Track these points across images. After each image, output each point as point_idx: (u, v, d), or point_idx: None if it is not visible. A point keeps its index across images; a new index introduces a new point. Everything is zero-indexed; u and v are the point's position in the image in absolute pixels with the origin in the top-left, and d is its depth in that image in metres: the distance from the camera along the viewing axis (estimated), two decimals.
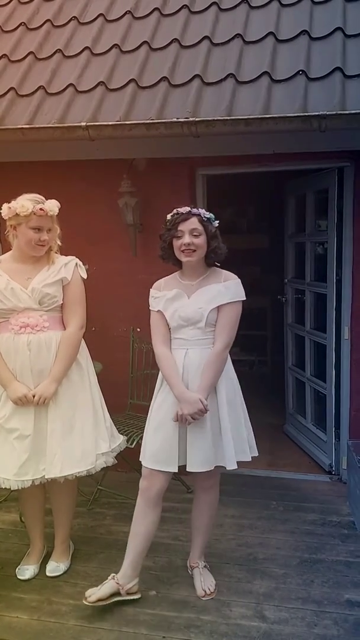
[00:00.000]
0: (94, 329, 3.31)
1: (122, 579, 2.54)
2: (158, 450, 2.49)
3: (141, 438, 2.64)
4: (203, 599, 2.61)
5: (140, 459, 2.57)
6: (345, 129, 3.00)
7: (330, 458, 3.86)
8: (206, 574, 2.70)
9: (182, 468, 2.50)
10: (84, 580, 2.71)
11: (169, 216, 2.51)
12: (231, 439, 2.45)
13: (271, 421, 4.68)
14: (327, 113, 2.90)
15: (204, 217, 2.47)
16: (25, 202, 2.49)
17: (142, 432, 2.67)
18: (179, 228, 2.45)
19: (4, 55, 3.80)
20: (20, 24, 4.02)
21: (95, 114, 3.24)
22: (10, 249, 2.67)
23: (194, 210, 2.47)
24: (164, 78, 3.32)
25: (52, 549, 2.88)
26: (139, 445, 2.63)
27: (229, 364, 2.57)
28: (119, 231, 3.69)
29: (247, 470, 3.67)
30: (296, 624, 2.45)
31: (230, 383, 2.54)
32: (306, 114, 2.94)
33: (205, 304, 2.45)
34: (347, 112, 2.91)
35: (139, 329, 3.69)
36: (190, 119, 3.05)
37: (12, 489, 2.58)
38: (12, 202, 2.53)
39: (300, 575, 2.78)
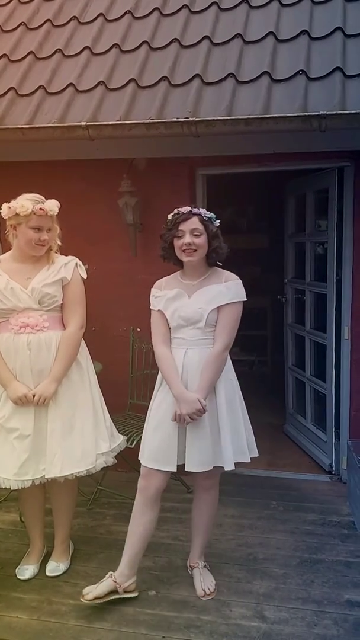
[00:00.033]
0: (94, 328, 3.31)
1: (119, 578, 2.54)
2: (157, 449, 2.49)
3: (141, 438, 2.63)
4: (203, 599, 2.61)
5: (139, 458, 2.57)
6: (346, 128, 3.00)
7: (330, 458, 3.85)
8: (206, 574, 2.70)
9: (181, 468, 2.50)
10: (83, 580, 2.71)
11: (169, 216, 2.51)
12: (230, 439, 2.45)
13: (271, 421, 4.68)
14: (327, 113, 2.90)
15: (205, 216, 2.47)
16: (25, 202, 2.49)
17: (142, 432, 2.67)
18: (180, 228, 2.44)
19: (4, 55, 3.80)
20: (20, 24, 4.02)
21: (95, 114, 3.24)
22: (10, 249, 2.66)
23: (195, 210, 2.47)
24: (164, 78, 3.32)
25: (52, 549, 2.88)
26: (138, 445, 2.63)
27: (229, 365, 2.57)
28: (118, 231, 3.69)
29: (247, 470, 3.67)
30: (296, 624, 2.45)
31: (229, 384, 2.54)
32: (306, 113, 2.94)
33: (206, 304, 2.45)
34: (347, 112, 2.91)
35: (139, 329, 3.69)
36: (190, 118, 3.05)
37: (12, 488, 2.58)
38: (12, 201, 2.53)
39: (300, 575, 2.78)
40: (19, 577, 2.77)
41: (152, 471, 2.51)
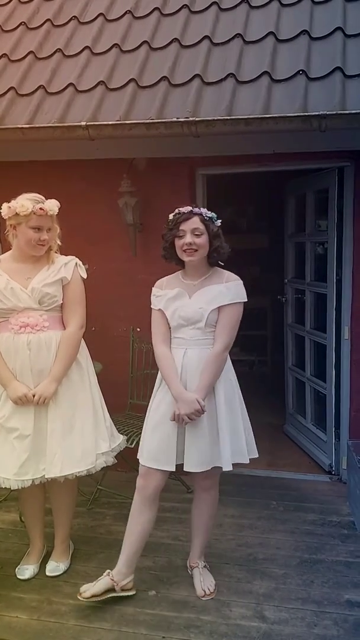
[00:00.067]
0: (93, 328, 3.31)
1: (116, 576, 2.54)
2: (155, 448, 2.49)
3: (140, 437, 2.63)
4: (203, 599, 2.61)
5: (137, 457, 2.57)
6: (346, 128, 2.99)
7: (330, 458, 3.85)
8: (206, 574, 2.70)
9: (181, 467, 2.50)
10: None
11: (171, 216, 2.51)
12: (228, 440, 2.45)
13: (271, 421, 4.68)
14: (327, 113, 2.90)
15: (206, 216, 2.47)
16: (25, 202, 2.49)
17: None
18: (181, 227, 2.44)
19: (4, 55, 3.80)
20: (21, 24, 4.02)
21: (95, 114, 3.24)
22: (10, 249, 2.66)
23: (196, 210, 2.47)
24: (164, 78, 3.32)
25: (52, 549, 2.88)
26: (138, 445, 2.63)
27: (229, 365, 2.57)
28: (118, 231, 3.69)
29: (247, 470, 3.67)
30: (296, 624, 2.45)
31: (229, 384, 2.53)
32: (306, 113, 2.94)
33: (206, 304, 2.45)
34: (347, 112, 2.90)
35: (138, 329, 3.69)
36: (190, 118, 3.05)
37: (12, 488, 2.58)
38: (12, 201, 2.53)
39: (300, 575, 2.77)
40: (18, 577, 2.77)
41: (150, 470, 2.51)
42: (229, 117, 3.02)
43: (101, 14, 3.92)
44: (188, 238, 2.43)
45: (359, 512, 3.19)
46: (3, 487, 2.57)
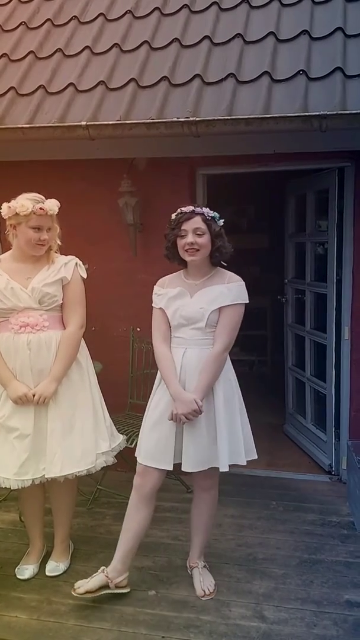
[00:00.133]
0: (93, 328, 3.31)
1: (111, 573, 2.55)
2: (153, 447, 2.50)
3: None
4: (202, 599, 2.61)
5: (135, 455, 2.57)
6: (346, 129, 2.99)
7: (330, 458, 3.85)
8: (205, 574, 2.70)
9: (180, 467, 2.49)
10: None
11: (173, 215, 2.51)
12: (226, 441, 2.45)
13: (271, 421, 4.68)
14: (328, 113, 2.90)
15: (208, 216, 2.46)
16: (25, 202, 2.49)
17: None
18: (183, 227, 2.44)
19: (4, 55, 3.80)
20: (21, 24, 4.02)
21: (95, 114, 3.23)
22: (10, 249, 2.66)
23: (198, 209, 2.47)
24: (165, 77, 3.32)
25: (52, 549, 2.88)
26: None
27: (229, 365, 2.56)
28: (119, 231, 3.69)
29: (247, 470, 3.65)
30: (295, 624, 2.45)
31: (228, 384, 2.53)
32: (307, 113, 2.94)
33: (207, 305, 2.45)
34: (347, 112, 2.90)
35: (138, 329, 3.69)
36: (191, 118, 3.05)
37: (12, 488, 2.58)
38: (12, 201, 2.53)
39: (300, 575, 2.77)
40: (18, 576, 2.77)
41: (148, 469, 2.51)
42: (229, 117, 3.02)
43: (101, 13, 3.92)
44: (190, 238, 2.43)
45: (359, 513, 3.19)
46: (3, 486, 2.57)
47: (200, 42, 3.52)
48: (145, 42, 3.60)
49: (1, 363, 2.57)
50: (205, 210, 2.48)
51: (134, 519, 2.55)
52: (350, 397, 3.69)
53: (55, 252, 2.66)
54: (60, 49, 3.73)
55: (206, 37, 3.52)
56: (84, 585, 2.50)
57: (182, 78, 3.33)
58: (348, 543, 3.04)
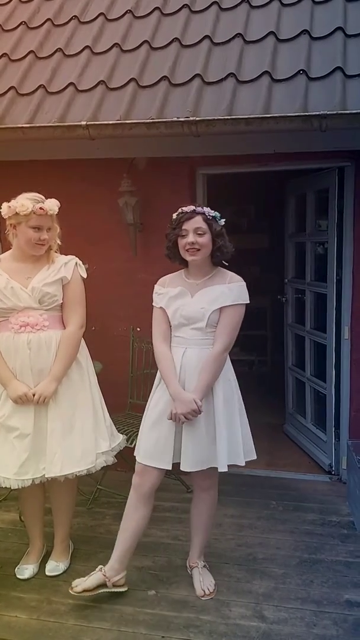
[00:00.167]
0: (93, 328, 3.31)
1: (109, 572, 2.55)
2: (152, 446, 2.50)
3: None
4: (202, 598, 2.61)
5: (134, 454, 2.57)
6: (346, 128, 2.99)
7: (330, 458, 3.85)
8: (205, 574, 2.70)
9: (179, 467, 2.49)
10: None
11: (174, 215, 2.50)
12: (225, 441, 2.44)
13: (271, 421, 4.68)
14: (328, 113, 2.89)
15: (209, 215, 2.46)
16: (25, 201, 2.49)
17: None
18: (184, 227, 2.44)
19: (5, 54, 3.80)
20: (21, 23, 4.02)
21: (95, 113, 3.23)
22: (10, 248, 2.66)
23: (199, 209, 2.46)
24: (165, 77, 3.32)
25: (52, 548, 2.88)
26: None
27: (229, 366, 2.56)
28: (119, 230, 3.69)
29: (247, 470, 3.65)
30: (295, 624, 2.45)
31: (228, 384, 2.53)
32: (307, 113, 2.94)
33: (208, 304, 2.45)
34: (347, 111, 2.90)
35: (138, 329, 3.68)
36: (191, 118, 3.05)
37: (12, 488, 2.58)
38: (12, 201, 2.53)
39: (300, 575, 2.77)
40: (18, 576, 2.77)
41: (147, 468, 2.51)
42: (229, 117, 3.02)
43: (102, 13, 3.92)
44: (190, 237, 2.43)
45: (359, 512, 3.19)
46: (3, 486, 2.57)
47: (200, 41, 3.52)
48: (146, 41, 3.60)
49: (1, 363, 2.56)
50: (206, 209, 2.47)
51: (132, 519, 2.56)
52: (350, 397, 3.69)
53: (55, 252, 2.66)
54: (60, 48, 3.73)
55: (206, 36, 3.52)
56: (81, 584, 2.50)
57: (182, 78, 3.33)
58: (348, 543, 3.05)
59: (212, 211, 2.49)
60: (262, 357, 6.39)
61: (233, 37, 3.48)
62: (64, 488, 2.73)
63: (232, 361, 2.60)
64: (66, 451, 2.56)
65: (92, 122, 3.16)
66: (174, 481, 3.53)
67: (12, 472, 2.52)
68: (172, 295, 2.51)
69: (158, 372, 2.57)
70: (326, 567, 2.83)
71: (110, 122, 3.15)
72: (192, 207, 2.47)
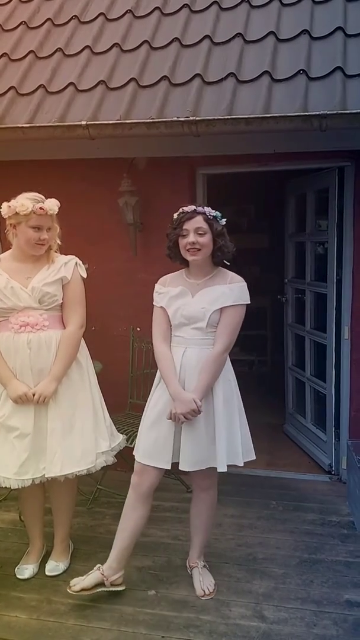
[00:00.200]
0: (93, 328, 3.31)
1: (107, 571, 2.55)
2: (151, 446, 2.50)
3: None
4: (202, 598, 2.61)
5: (133, 454, 2.57)
6: (346, 128, 2.99)
7: (330, 458, 3.85)
8: (205, 574, 2.70)
9: (178, 466, 2.50)
10: None
11: (175, 215, 2.50)
12: (225, 441, 2.44)
13: (271, 421, 4.68)
14: (328, 112, 2.89)
15: (210, 215, 2.46)
16: (25, 201, 2.49)
17: None
18: (184, 227, 2.44)
19: (5, 54, 3.80)
20: (21, 23, 4.02)
21: (95, 113, 3.23)
22: (10, 248, 2.66)
23: (199, 209, 2.46)
24: (165, 77, 3.32)
25: (52, 548, 2.88)
26: None
27: (228, 365, 2.56)
28: (119, 230, 3.68)
29: (247, 470, 3.65)
30: (295, 624, 2.45)
31: (228, 385, 2.53)
32: (307, 113, 2.94)
33: (209, 304, 2.44)
34: (347, 111, 2.90)
35: (138, 328, 3.68)
36: (191, 118, 3.05)
37: (12, 487, 2.58)
38: (12, 200, 2.53)
39: (300, 575, 2.77)
40: (18, 576, 2.76)
41: (146, 467, 2.51)
42: (229, 117, 3.02)
43: (102, 13, 3.92)
44: (191, 237, 2.43)
45: (359, 512, 3.19)
46: (3, 486, 2.57)
47: (200, 41, 3.52)
48: (146, 41, 3.60)
49: (1, 362, 2.56)
50: (207, 209, 2.47)
51: (131, 518, 2.56)
52: (350, 397, 3.69)
53: (55, 252, 2.66)
54: (60, 48, 3.73)
55: (206, 36, 3.52)
56: (79, 583, 2.51)
57: (182, 77, 3.33)
58: (348, 543, 3.04)
59: (213, 211, 2.48)
60: (262, 357, 6.38)
61: (233, 37, 3.48)
62: (64, 488, 2.73)
63: (232, 361, 2.59)
64: (66, 451, 2.56)
65: (92, 122, 3.16)
66: (174, 481, 3.53)
67: (12, 472, 2.52)
68: (172, 295, 2.51)
69: (158, 371, 2.56)
70: (326, 567, 2.83)
71: (110, 121, 3.15)
72: (192, 207, 2.47)
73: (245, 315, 2.53)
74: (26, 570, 2.78)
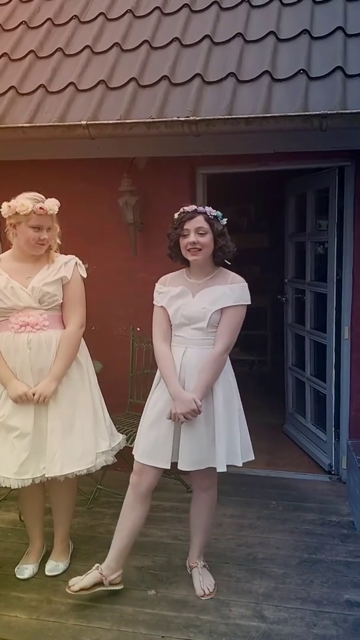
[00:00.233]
0: (93, 328, 3.31)
1: (105, 570, 2.55)
2: (151, 445, 2.50)
3: None
4: (202, 598, 2.61)
5: (132, 453, 2.57)
6: (346, 128, 2.99)
7: (330, 458, 3.85)
8: (205, 574, 2.70)
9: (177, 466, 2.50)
10: None
11: (176, 215, 2.50)
12: (224, 441, 2.44)
13: (271, 421, 4.68)
14: (328, 112, 2.89)
15: (210, 215, 2.45)
16: (25, 201, 2.49)
17: None
18: (185, 227, 2.44)
19: (5, 54, 3.80)
20: (21, 23, 4.02)
21: (95, 113, 3.23)
22: (10, 248, 2.66)
23: (200, 209, 2.46)
24: (165, 77, 3.32)
25: (52, 548, 2.87)
26: None
27: (228, 367, 2.56)
28: (119, 230, 3.68)
29: (247, 470, 3.65)
30: (295, 624, 2.45)
31: (228, 386, 2.53)
32: (307, 113, 2.93)
33: (210, 305, 2.44)
34: (348, 111, 2.90)
35: (138, 328, 3.68)
36: (191, 117, 3.05)
37: (12, 487, 2.58)
38: (12, 200, 2.53)
39: (300, 575, 2.77)
40: (18, 576, 2.76)
41: (145, 467, 2.51)
42: (229, 117, 3.01)
43: (102, 13, 3.92)
44: (192, 237, 2.42)
45: (359, 512, 3.19)
46: (3, 486, 2.57)
47: (200, 41, 3.52)
48: (146, 41, 3.60)
49: (1, 362, 2.56)
50: (208, 209, 2.47)
51: (129, 518, 2.56)
52: (350, 397, 3.69)
53: (55, 252, 2.66)
54: (60, 48, 3.73)
55: (206, 36, 3.52)
56: (78, 583, 2.51)
57: (182, 77, 3.33)
58: (348, 543, 3.04)
59: (214, 211, 2.48)
60: (262, 357, 6.38)
61: (233, 37, 3.48)
62: (63, 488, 2.73)
63: (232, 361, 2.59)
64: (66, 451, 2.56)
65: (92, 122, 3.16)
66: (174, 481, 3.53)
67: (12, 472, 2.52)
68: (173, 295, 2.51)
69: (157, 371, 2.56)
70: (326, 567, 2.83)
71: (111, 121, 3.15)
72: (193, 207, 2.47)
73: (245, 315, 2.53)
74: (26, 570, 2.78)
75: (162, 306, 2.54)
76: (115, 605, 2.55)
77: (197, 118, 3.04)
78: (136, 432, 3.17)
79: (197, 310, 2.44)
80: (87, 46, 3.68)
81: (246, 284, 2.51)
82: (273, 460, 4.09)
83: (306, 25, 3.42)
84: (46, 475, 2.57)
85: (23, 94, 3.48)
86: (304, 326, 4.21)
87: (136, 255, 3.71)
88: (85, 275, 2.69)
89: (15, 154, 3.57)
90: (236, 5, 3.73)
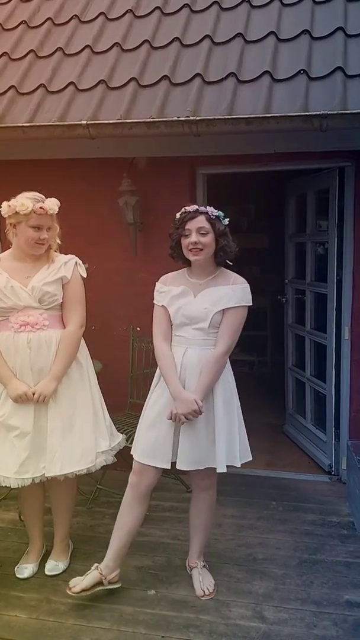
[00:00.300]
0: (93, 327, 3.31)
1: (104, 570, 2.55)
2: (150, 445, 2.49)
3: None
4: (202, 598, 2.60)
5: (131, 453, 2.57)
6: (346, 128, 2.99)
7: (330, 458, 3.85)
8: (205, 574, 2.69)
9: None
10: None
11: (177, 215, 2.50)
12: (224, 442, 2.44)
13: (271, 421, 4.68)
14: (328, 112, 2.89)
15: (212, 215, 2.45)
16: (25, 201, 2.49)
17: None
18: (187, 227, 2.44)
19: (5, 54, 3.80)
20: (21, 22, 4.02)
21: (95, 113, 3.23)
22: (10, 248, 2.66)
23: (202, 209, 2.45)
24: (165, 77, 3.32)
25: (52, 548, 2.87)
26: None
27: (228, 368, 2.56)
28: (119, 230, 3.68)
29: (247, 470, 3.65)
30: (295, 624, 2.44)
31: (227, 385, 2.53)
32: (307, 113, 2.93)
33: (211, 305, 2.44)
34: (348, 111, 2.90)
35: (138, 328, 3.68)
36: (191, 117, 3.05)
37: (12, 487, 2.58)
38: (12, 200, 2.53)
39: (300, 575, 2.77)
40: (18, 575, 2.76)
41: (144, 467, 2.51)
42: (229, 117, 3.01)
43: (102, 12, 3.92)
44: (193, 237, 2.42)
45: (359, 513, 3.19)
46: (3, 485, 2.56)
47: (200, 41, 3.52)
48: (146, 41, 3.60)
49: (1, 362, 2.56)
50: (210, 209, 2.46)
51: (128, 517, 2.56)
52: (350, 397, 3.69)
53: (55, 252, 2.66)
54: (60, 47, 3.73)
55: (207, 36, 3.52)
56: (79, 584, 2.50)
57: (182, 77, 3.32)
58: (348, 543, 3.04)
59: (216, 211, 2.47)
60: (262, 358, 6.38)
61: (234, 37, 3.48)
62: (63, 487, 2.72)
63: (232, 361, 2.59)
64: (66, 450, 2.56)
65: (93, 122, 3.16)
66: (174, 481, 3.53)
67: (12, 471, 2.52)
68: (174, 294, 2.51)
69: (157, 370, 2.56)
70: (326, 568, 2.83)
71: (111, 121, 3.15)
72: (195, 207, 2.46)
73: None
74: (26, 569, 2.78)
75: (162, 305, 2.54)
76: (115, 605, 2.54)
77: (198, 118, 3.04)
78: (136, 432, 3.17)
79: (199, 310, 2.44)
80: (87, 46, 3.68)
81: (248, 285, 2.51)
82: (273, 460, 4.09)
83: (306, 26, 3.42)
84: (46, 475, 2.56)
85: (23, 94, 3.48)
86: (304, 326, 4.21)
87: (136, 255, 3.71)
88: (85, 275, 2.69)
89: (15, 153, 3.57)
90: (236, 6, 3.73)
